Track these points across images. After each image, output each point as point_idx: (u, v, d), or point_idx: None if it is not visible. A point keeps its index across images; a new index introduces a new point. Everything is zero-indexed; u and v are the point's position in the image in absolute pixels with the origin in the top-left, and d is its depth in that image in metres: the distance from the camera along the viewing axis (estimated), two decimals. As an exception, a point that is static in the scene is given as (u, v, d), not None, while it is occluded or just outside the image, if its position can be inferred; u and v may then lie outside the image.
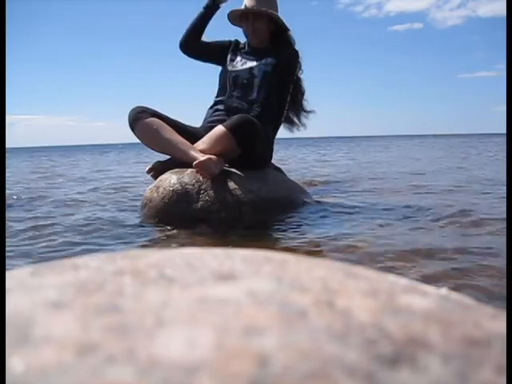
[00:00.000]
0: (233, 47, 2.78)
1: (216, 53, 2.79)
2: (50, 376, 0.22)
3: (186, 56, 2.77)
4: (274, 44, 2.71)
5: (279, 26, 2.70)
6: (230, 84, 2.64)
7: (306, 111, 2.84)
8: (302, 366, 0.23)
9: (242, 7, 2.67)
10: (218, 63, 2.81)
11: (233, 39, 2.84)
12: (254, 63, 2.64)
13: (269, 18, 2.66)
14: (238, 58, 2.71)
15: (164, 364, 0.23)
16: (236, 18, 2.74)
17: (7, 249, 1.75)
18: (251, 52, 2.72)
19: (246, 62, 2.67)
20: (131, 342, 0.24)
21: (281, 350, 0.24)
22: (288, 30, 2.72)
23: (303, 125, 2.87)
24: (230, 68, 2.69)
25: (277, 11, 2.69)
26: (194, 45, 2.74)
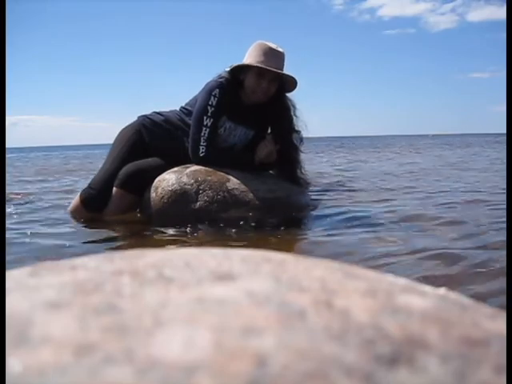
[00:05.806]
0: (221, 110, 2.36)
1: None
2: (48, 376, 0.22)
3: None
4: (269, 100, 2.38)
5: (284, 88, 2.36)
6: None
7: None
8: (300, 366, 0.23)
9: (256, 63, 2.24)
10: None
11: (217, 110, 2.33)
12: (237, 135, 2.46)
13: (280, 81, 2.32)
14: (227, 125, 2.42)
15: (162, 364, 0.23)
16: (243, 69, 2.31)
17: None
18: (241, 114, 2.42)
19: (230, 133, 2.44)
20: (129, 342, 0.24)
21: (279, 350, 0.24)
22: (290, 91, 2.40)
23: None
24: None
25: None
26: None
